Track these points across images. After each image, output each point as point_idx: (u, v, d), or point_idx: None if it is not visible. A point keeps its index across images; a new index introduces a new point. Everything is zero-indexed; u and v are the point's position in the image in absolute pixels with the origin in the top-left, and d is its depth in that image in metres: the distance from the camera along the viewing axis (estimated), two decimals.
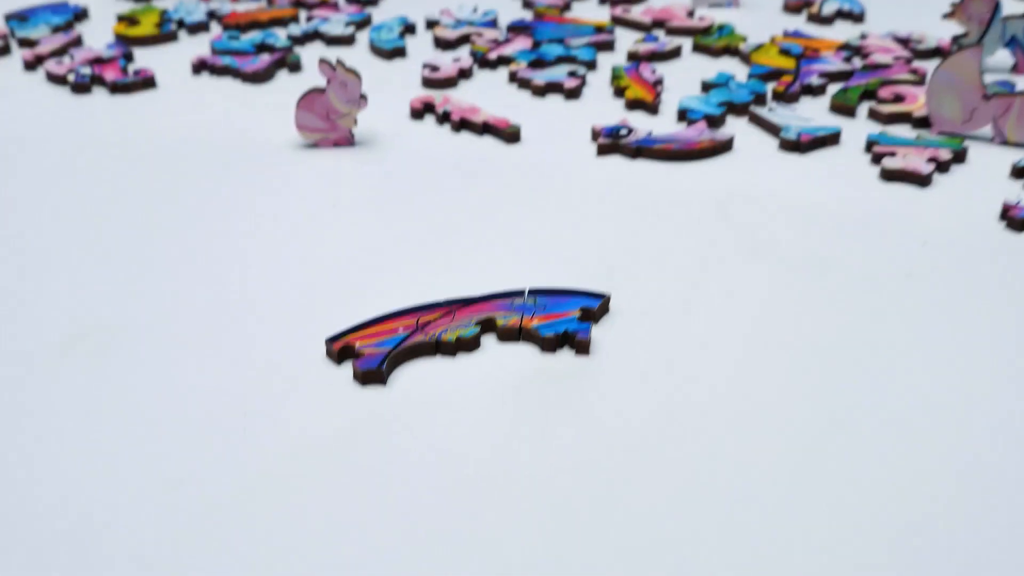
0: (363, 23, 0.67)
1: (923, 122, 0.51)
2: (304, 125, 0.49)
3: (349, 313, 0.34)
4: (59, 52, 0.61)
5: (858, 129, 0.51)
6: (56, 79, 0.57)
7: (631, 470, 0.28)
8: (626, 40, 0.65)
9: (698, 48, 0.63)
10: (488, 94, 0.56)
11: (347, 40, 0.64)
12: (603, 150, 0.49)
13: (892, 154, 0.47)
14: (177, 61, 0.61)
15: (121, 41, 0.63)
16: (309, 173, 0.47)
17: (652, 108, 0.53)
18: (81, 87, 0.56)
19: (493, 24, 0.66)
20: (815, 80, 0.56)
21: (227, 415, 0.30)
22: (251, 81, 0.58)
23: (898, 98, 0.53)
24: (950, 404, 0.31)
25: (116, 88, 0.56)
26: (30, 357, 0.33)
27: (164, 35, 0.64)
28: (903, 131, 0.51)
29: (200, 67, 0.59)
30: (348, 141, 0.49)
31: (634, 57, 0.61)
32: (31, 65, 0.60)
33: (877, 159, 0.47)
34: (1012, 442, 0.29)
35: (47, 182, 0.46)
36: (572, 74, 0.57)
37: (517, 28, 0.65)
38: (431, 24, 0.67)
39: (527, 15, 0.68)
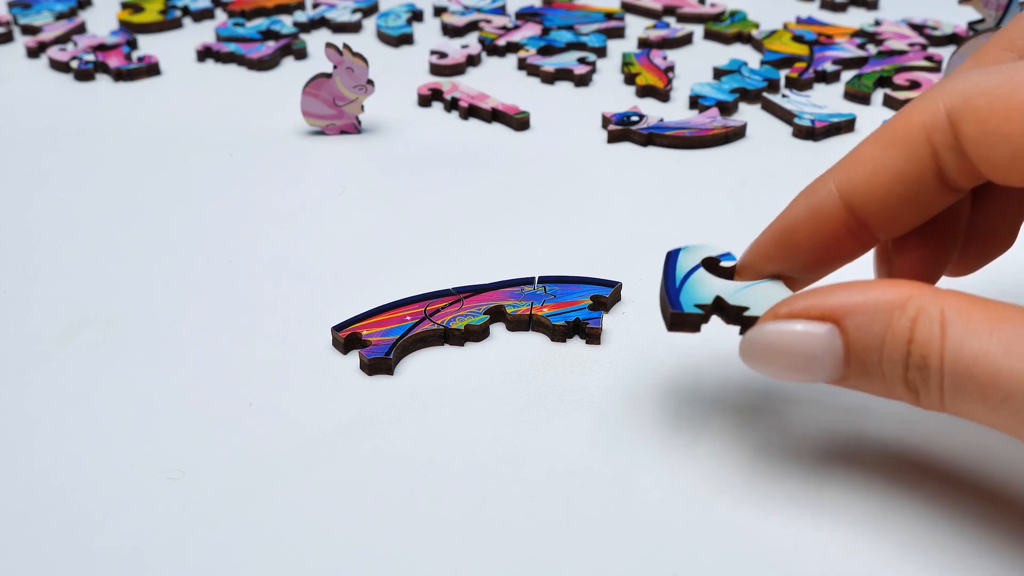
0: (370, 10, 0.67)
1: None
2: (310, 112, 0.48)
3: (355, 301, 0.34)
4: (62, 39, 0.60)
5: (873, 116, 0.50)
6: (59, 66, 0.57)
7: (642, 461, 0.27)
8: (637, 27, 0.64)
9: (710, 35, 0.62)
10: (497, 81, 0.55)
11: (353, 27, 0.64)
12: (614, 137, 0.48)
13: None
14: (181, 48, 0.60)
15: (125, 28, 0.62)
16: (315, 160, 0.46)
17: (663, 95, 0.52)
18: (85, 74, 0.56)
19: (502, 11, 0.65)
20: (829, 67, 0.55)
21: (232, 405, 0.29)
22: (256, 68, 0.57)
23: (914, 84, 0.52)
24: None
25: (120, 75, 0.56)
26: (32, 345, 0.32)
27: (168, 22, 0.64)
28: None
29: (205, 54, 0.59)
30: (354, 128, 0.49)
31: (645, 44, 0.60)
32: (34, 52, 0.59)
33: None
34: None
35: (50, 169, 0.46)
36: (582, 61, 0.56)
37: (526, 15, 0.64)
38: (439, 11, 0.66)
39: (536, 1, 0.68)
